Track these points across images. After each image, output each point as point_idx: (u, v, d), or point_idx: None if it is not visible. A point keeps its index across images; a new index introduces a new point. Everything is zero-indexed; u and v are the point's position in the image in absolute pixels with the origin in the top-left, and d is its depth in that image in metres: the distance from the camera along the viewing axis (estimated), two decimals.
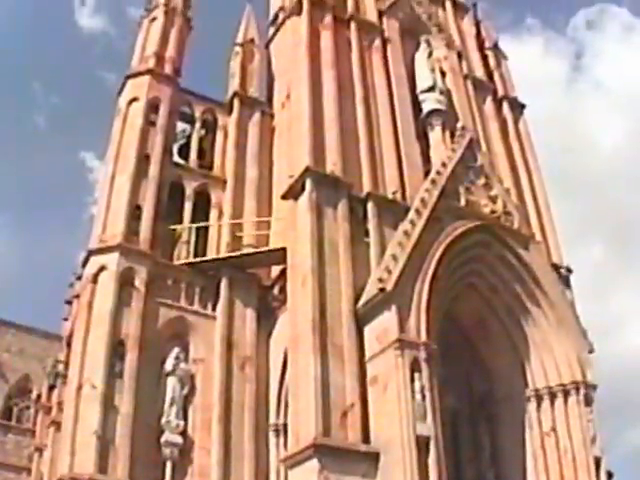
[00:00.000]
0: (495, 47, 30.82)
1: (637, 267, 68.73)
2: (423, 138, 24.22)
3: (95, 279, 21.32)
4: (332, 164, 20.77)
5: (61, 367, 30.28)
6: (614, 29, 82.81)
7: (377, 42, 25.39)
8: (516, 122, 28.31)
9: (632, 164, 69.70)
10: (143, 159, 23.68)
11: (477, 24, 31.33)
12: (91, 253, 22.02)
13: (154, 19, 27.63)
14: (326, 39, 23.87)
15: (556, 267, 23.66)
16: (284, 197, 21.13)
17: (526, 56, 73.59)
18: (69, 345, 25.66)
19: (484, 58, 29.76)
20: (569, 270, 24.52)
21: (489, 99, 27.80)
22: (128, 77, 25.73)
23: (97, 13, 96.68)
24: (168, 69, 26.10)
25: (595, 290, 58.91)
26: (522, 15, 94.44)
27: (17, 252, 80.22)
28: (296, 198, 20.51)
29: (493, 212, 21.93)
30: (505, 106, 28.36)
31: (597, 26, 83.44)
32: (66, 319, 35.38)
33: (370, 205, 20.80)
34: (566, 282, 23.92)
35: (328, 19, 24.55)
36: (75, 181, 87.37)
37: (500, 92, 28.68)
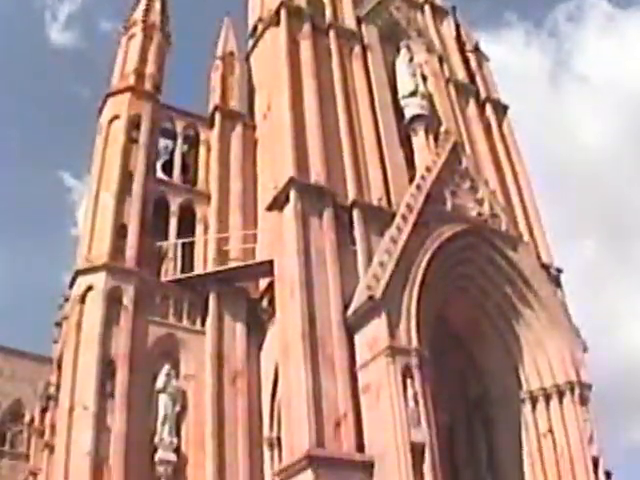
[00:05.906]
0: (476, 49, 30.84)
1: (630, 262, 68.33)
2: (407, 143, 24.14)
3: (83, 299, 21.11)
4: (316, 174, 20.71)
5: (52, 389, 29.89)
6: (595, 21, 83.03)
7: (357, 49, 25.40)
8: (500, 124, 28.25)
9: (619, 158, 69.62)
10: (127, 177, 23.42)
11: (457, 27, 31.31)
12: (78, 273, 21.75)
13: (132, 36, 27.45)
14: (305, 49, 23.87)
15: (546, 267, 23.49)
16: (269, 208, 21.07)
17: (507, 51, 73.35)
18: (59, 367, 25.32)
19: (465, 61, 29.74)
20: (559, 270, 24.37)
21: (472, 101, 27.77)
22: (108, 95, 25.53)
23: (68, 29, 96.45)
24: (148, 86, 25.87)
25: (588, 287, 58.62)
26: (499, 10, 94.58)
27: (2, 276, 79.00)
28: (281, 209, 20.44)
29: (480, 215, 21.81)
30: (488, 108, 28.33)
31: (577, 18, 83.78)
32: (56, 341, 34.94)
33: (356, 213, 20.75)
34: (557, 282, 23.76)
35: (307, 28, 24.56)
36: (54, 201, 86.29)
37: (483, 94, 28.67)
